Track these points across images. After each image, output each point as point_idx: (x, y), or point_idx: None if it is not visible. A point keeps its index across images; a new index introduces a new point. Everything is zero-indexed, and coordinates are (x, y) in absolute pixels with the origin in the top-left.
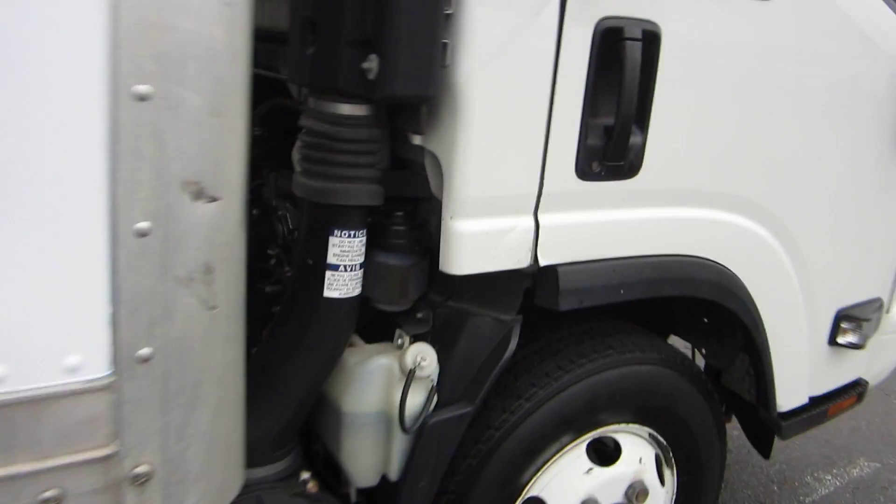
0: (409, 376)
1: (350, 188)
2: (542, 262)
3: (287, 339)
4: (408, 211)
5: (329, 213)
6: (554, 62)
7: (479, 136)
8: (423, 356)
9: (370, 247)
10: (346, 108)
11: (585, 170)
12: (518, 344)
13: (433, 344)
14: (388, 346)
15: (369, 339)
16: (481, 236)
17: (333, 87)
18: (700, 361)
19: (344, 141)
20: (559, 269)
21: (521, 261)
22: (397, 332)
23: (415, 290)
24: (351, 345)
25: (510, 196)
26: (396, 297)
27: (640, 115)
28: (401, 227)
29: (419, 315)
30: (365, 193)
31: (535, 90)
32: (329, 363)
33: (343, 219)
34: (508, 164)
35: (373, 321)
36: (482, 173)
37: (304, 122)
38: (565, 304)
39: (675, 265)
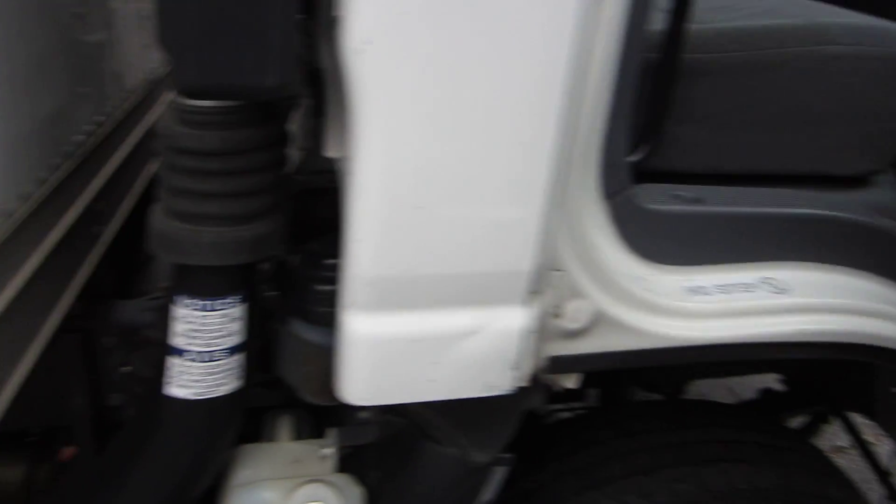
0: None
1: (186, 232)
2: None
3: (123, 449)
4: None
5: (175, 272)
6: None
7: (392, 153)
8: None
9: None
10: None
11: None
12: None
13: (376, 466)
14: (309, 453)
15: None
16: (403, 344)
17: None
18: None
19: (182, 152)
20: None
21: (492, 385)
22: (327, 434)
23: None
24: (269, 440)
25: (468, 274)
26: (318, 391)
27: None
28: (329, 287)
29: (363, 414)
30: (220, 244)
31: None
32: (180, 490)
33: (190, 281)
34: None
35: None
36: (401, 224)
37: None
38: None
39: None
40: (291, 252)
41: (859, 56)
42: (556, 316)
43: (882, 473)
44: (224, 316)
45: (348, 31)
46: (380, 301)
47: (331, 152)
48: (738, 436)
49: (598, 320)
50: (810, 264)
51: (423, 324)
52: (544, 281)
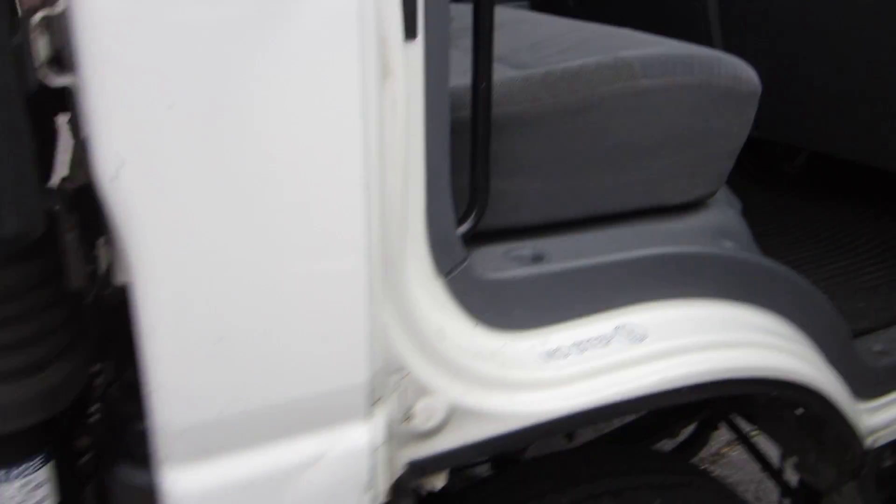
0: None
1: None
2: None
3: None
4: None
5: None
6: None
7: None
8: None
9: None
10: None
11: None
12: None
13: None
14: None
15: None
16: (237, 491)
17: None
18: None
19: None
20: None
21: None
22: None
23: None
24: None
25: (295, 399)
26: None
27: None
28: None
29: None
30: (2, 407)
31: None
32: None
33: None
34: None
35: None
36: (204, 362)
37: None
38: None
39: None
40: (111, 381)
41: (668, 87)
42: (407, 419)
43: (773, 471)
44: (25, 485)
45: (99, 153)
46: (198, 449)
47: (118, 279)
48: (627, 482)
49: (454, 413)
50: (661, 302)
51: (255, 463)
52: (385, 386)
